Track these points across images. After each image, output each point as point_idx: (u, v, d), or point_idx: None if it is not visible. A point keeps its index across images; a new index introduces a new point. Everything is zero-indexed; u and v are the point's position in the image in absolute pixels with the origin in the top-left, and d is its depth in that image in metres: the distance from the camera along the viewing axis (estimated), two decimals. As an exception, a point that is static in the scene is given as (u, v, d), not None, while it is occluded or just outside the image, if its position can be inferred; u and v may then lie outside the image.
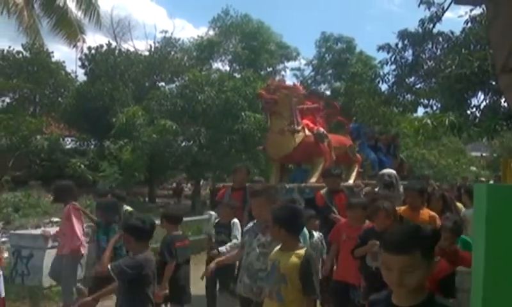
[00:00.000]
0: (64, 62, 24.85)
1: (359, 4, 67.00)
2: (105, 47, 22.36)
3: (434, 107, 12.73)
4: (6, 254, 7.97)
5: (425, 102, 12.88)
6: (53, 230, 6.49)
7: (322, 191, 5.97)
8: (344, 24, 66.23)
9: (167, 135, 16.64)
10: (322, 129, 7.47)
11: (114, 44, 24.15)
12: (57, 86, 23.91)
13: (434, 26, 11.63)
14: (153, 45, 24.17)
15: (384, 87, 13.40)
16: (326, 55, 25.85)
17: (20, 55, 23.23)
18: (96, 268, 4.87)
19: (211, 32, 25.72)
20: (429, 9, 11.42)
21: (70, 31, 12.44)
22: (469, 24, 11.32)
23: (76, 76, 25.13)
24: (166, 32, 25.55)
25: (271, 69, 25.47)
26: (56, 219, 12.45)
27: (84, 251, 5.78)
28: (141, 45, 38.62)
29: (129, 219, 4.07)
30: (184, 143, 18.81)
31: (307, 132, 7.25)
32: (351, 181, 7.57)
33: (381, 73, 13.41)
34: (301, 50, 27.98)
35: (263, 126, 14.78)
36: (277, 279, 3.17)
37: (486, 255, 1.91)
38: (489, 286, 1.91)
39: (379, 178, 6.25)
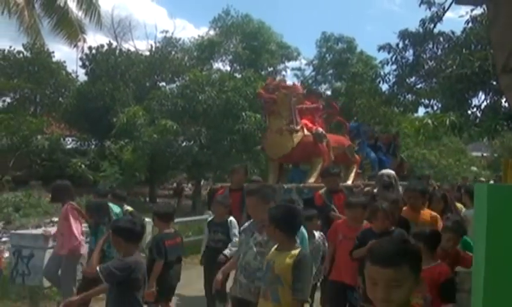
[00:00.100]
0: (65, 62, 24.83)
1: (359, 4, 67.08)
2: (106, 47, 22.30)
3: (435, 107, 12.74)
4: (6, 254, 7.99)
5: (426, 101, 12.89)
6: (54, 230, 6.45)
7: (321, 191, 5.92)
8: (345, 24, 66.31)
9: (168, 135, 16.61)
10: (320, 129, 7.46)
11: (114, 44, 24.15)
12: (58, 85, 23.85)
13: (435, 26, 11.65)
14: (153, 45, 24.16)
15: (385, 87, 13.44)
16: (327, 55, 25.84)
17: (21, 55, 23.16)
18: (85, 268, 4.82)
19: (212, 32, 25.75)
20: (429, 9, 11.46)
21: (71, 30, 12.47)
22: (470, 24, 11.34)
23: (77, 76, 25.09)
24: (166, 32, 25.60)
25: (271, 69, 25.43)
26: (56, 219, 12.41)
27: (83, 250, 5.74)
28: (141, 45, 38.49)
29: (119, 220, 4.03)
30: (184, 143, 18.77)
31: (306, 131, 7.23)
32: (349, 182, 7.55)
33: (382, 73, 13.43)
34: (302, 50, 27.92)
35: (264, 126, 14.73)
36: (271, 279, 3.13)
37: (486, 255, 1.90)
38: (490, 286, 1.90)
39: (378, 179, 6.24)
